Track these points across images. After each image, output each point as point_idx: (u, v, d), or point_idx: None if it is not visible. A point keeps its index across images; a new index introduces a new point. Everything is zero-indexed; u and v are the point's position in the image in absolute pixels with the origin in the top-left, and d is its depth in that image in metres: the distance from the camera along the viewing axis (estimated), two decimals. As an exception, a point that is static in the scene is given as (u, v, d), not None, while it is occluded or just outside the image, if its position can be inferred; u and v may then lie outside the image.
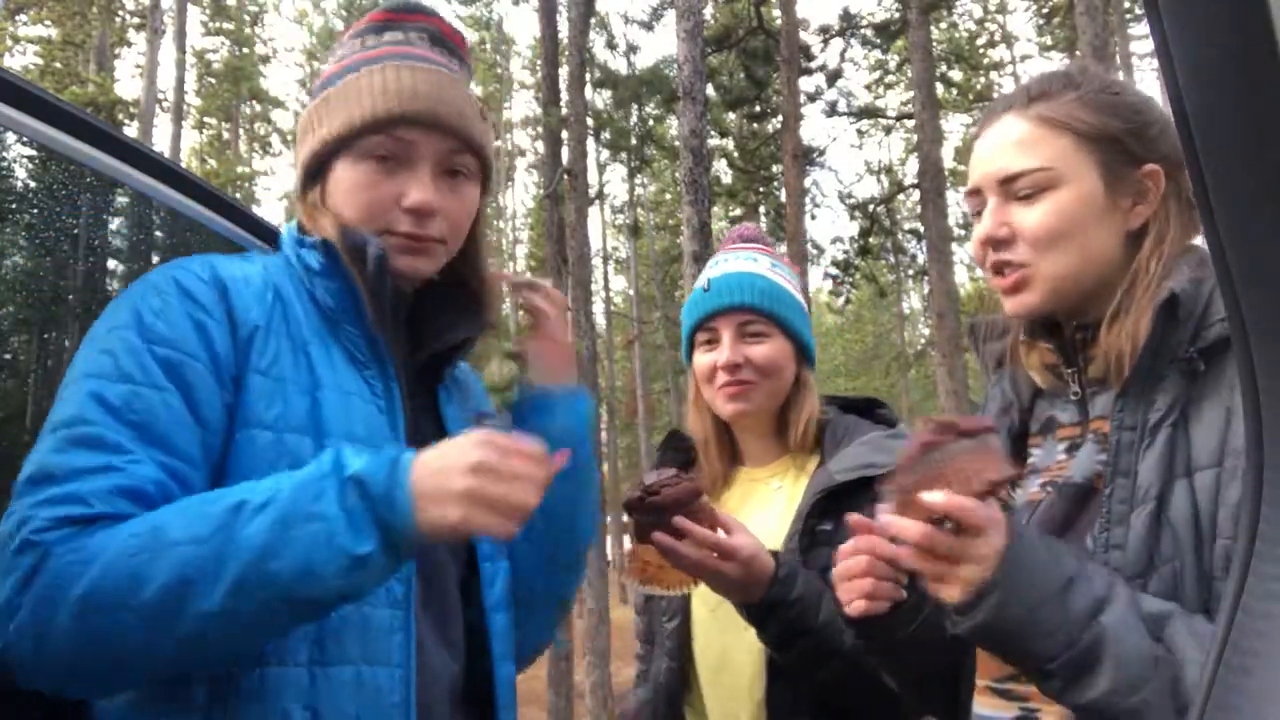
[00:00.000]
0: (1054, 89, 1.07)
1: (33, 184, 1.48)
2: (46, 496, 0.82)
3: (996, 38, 23.00)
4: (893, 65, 19.75)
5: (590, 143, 12.93)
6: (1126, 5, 17.36)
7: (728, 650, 1.45)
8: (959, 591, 0.89)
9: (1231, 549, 0.85)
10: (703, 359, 1.56)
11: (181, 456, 0.89)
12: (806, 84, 14.60)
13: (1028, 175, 1.04)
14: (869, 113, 18.25)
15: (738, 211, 18.83)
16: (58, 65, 17.98)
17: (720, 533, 1.29)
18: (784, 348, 1.53)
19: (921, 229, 14.49)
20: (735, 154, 16.73)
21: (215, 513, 0.82)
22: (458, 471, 0.85)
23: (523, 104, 31.78)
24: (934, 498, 0.88)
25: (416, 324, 1.14)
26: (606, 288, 28.44)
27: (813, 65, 14.67)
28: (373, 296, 1.05)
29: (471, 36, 28.01)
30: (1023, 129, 1.06)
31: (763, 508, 1.52)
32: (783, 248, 18.57)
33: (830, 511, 1.38)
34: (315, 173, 1.10)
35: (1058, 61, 20.44)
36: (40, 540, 0.80)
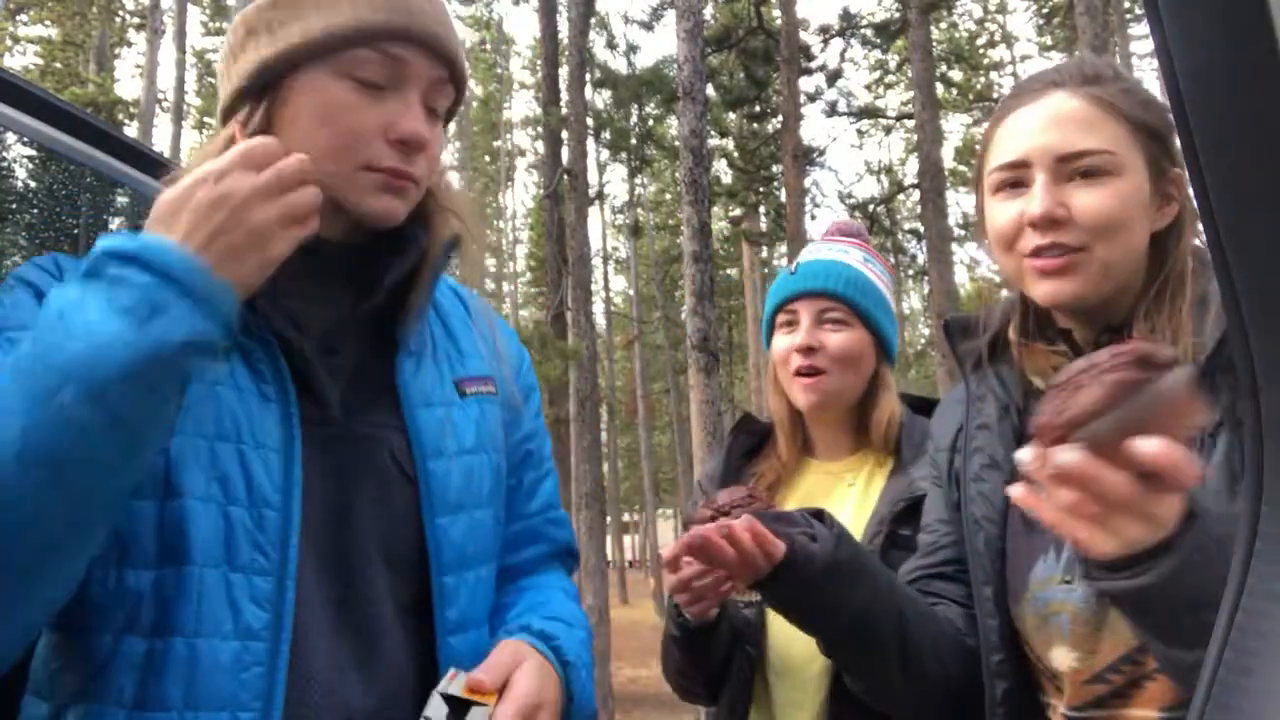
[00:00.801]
0: (1103, 75, 1.03)
1: (33, 184, 1.49)
2: None
3: (996, 38, 23.02)
4: (893, 65, 19.78)
5: (590, 143, 12.93)
6: (1126, 5, 17.37)
7: (795, 644, 1.44)
8: (1114, 547, 0.75)
9: None
10: (780, 341, 1.56)
11: None
12: (806, 84, 14.61)
13: (1091, 155, 0.99)
14: (869, 113, 18.25)
15: (738, 211, 18.85)
16: (58, 65, 18.00)
17: None
18: (862, 338, 1.52)
19: (921, 229, 14.49)
20: (735, 154, 16.73)
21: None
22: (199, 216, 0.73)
23: (523, 104, 31.89)
24: (1151, 448, 0.70)
25: (366, 275, 0.95)
26: (606, 288, 28.47)
27: (813, 65, 14.67)
28: None
29: (472, 36, 28.05)
30: (1080, 107, 1.00)
31: (835, 504, 1.51)
32: (782, 248, 18.57)
33: (908, 517, 1.37)
34: (258, 90, 0.89)
35: (1057, 62, 20.40)
36: None
